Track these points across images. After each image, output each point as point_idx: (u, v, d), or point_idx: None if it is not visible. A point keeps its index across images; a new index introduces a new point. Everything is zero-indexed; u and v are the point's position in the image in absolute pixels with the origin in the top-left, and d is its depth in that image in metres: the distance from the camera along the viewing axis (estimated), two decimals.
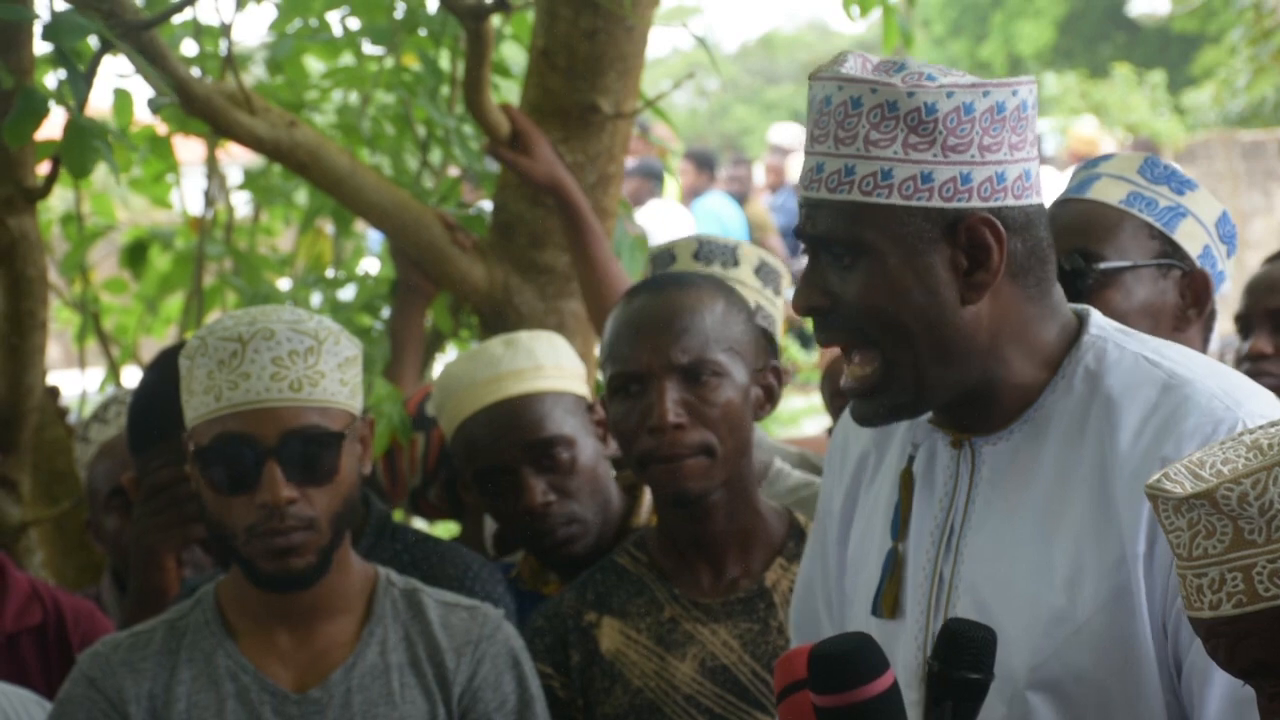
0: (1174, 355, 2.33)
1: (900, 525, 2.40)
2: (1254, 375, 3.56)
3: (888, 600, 2.38)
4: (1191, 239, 2.94)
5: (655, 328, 2.97)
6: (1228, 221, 3.00)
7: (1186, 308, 2.94)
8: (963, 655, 2.18)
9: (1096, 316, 2.39)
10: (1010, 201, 2.30)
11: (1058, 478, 2.30)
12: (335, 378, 2.79)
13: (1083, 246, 2.90)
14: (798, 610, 2.62)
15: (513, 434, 3.28)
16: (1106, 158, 3.04)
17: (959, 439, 2.37)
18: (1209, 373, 2.30)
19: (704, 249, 3.60)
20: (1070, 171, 3.25)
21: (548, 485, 3.25)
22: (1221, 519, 1.89)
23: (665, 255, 3.70)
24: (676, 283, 3.07)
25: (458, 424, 3.35)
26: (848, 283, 2.28)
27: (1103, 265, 2.89)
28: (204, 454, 2.77)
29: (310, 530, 2.76)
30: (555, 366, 3.33)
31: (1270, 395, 2.33)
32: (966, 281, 2.28)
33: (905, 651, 2.34)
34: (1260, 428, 1.96)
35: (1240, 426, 2.20)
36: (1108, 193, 2.95)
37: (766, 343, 3.42)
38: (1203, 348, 2.97)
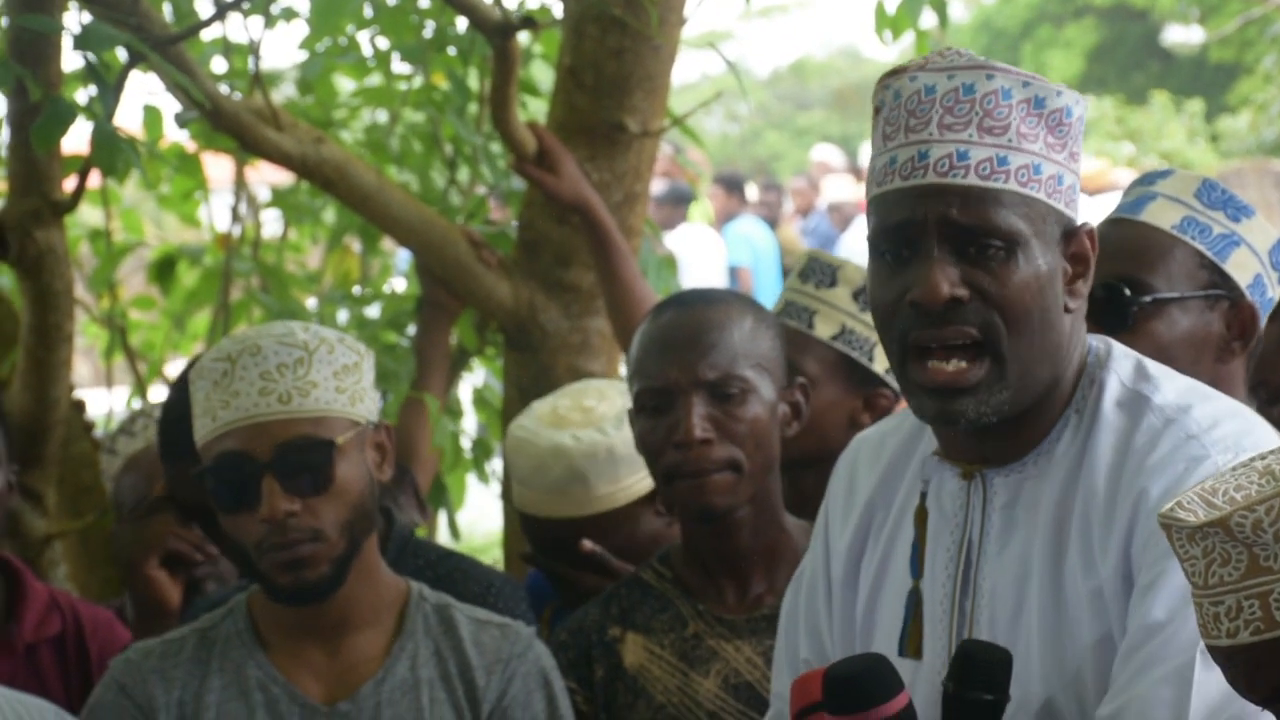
0: (1170, 391, 2.32)
1: (918, 563, 2.39)
2: None
3: (912, 640, 2.37)
4: (1242, 269, 2.90)
5: (683, 343, 2.96)
6: None
7: (1231, 339, 2.90)
8: (977, 676, 2.17)
9: (1101, 345, 2.39)
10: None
11: (1060, 513, 2.30)
12: (330, 386, 2.78)
13: (1131, 274, 2.86)
14: (782, 647, 2.61)
15: (561, 549, 3.31)
16: (1165, 175, 2.99)
17: (969, 471, 2.36)
18: (1202, 410, 2.29)
19: (808, 266, 3.57)
20: (1100, 199, 3.21)
21: (599, 582, 3.26)
22: (1236, 546, 1.88)
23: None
24: (704, 299, 3.06)
25: (517, 506, 3.39)
26: (994, 273, 2.24)
27: (1149, 297, 2.86)
28: (207, 474, 2.79)
29: (318, 541, 2.76)
30: (609, 486, 3.29)
31: (1269, 433, 2.31)
32: (1069, 289, 2.30)
33: (927, 689, 2.32)
34: (1273, 453, 1.95)
35: (1213, 467, 2.20)
36: (1162, 216, 2.91)
37: (858, 369, 3.42)
38: (1247, 378, 2.94)
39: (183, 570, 3.50)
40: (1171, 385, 2.33)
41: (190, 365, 3.32)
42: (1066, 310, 2.30)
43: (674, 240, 11.60)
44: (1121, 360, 2.36)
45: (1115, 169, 13.55)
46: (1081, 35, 26.49)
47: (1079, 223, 2.31)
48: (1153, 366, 2.36)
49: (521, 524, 3.42)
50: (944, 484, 2.38)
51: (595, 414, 3.33)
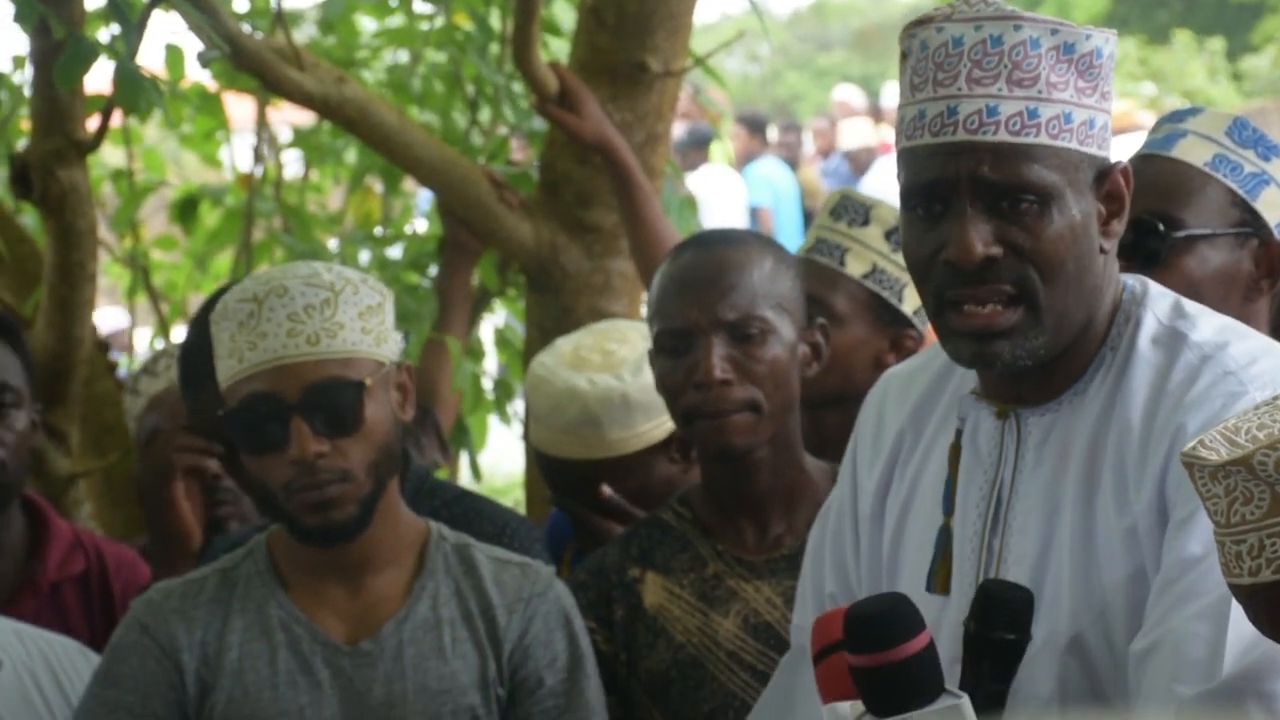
0: (1208, 328, 2.32)
1: (950, 500, 2.39)
2: None
3: (941, 576, 2.38)
4: (1272, 208, 2.88)
5: (702, 284, 2.96)
6: None
7: (1260, 278, 2.88)
8: (999, 616, 2.18)
9: (1138, 284, 2.39)
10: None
11: (1092, 450, 2.31)
12: (356, 327, 2.78)
13: (1163, 210, 2.84)
14: (807, 579, 2.62)
15: (575, 489, 3.33)
16: (1195, 112, 2.98)
17: (1005, 410, 2.36)
18: (1239, 347, 2.29)
19: (840, 204, 3.56)
20: (1124, 139, 3.18)
21: (616, 527, 3.28)
22: (1259, 485, 1.88)
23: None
24: (724, 239, 3.06)
25: (533, 443, 3.40)
26: (1032, 230, 2.25)
27: (1182, 233, 2.84)
28: (233, 416, 2.79)
29: (346, 482, 2.76)
30: (622, 432, 3.30)
31: None
32: (1104, 230, 2.30)
33: (953, 625, 2.32)
34: None
35: (1250, 403, 2.18)
36: (1193, 153, 2.89)
37: (888, 308, 3.43)
38: (1270, 316, 2.94)
39: (203, 497, 3.50)
40: (1209, 323, 2.33)
41: (212, 298, 3.31)
42: (1101, 251, 2.30)
43: (695, 181, 11.58)
44: (1159, 299, 2.36)
45: (1139, 110, 13.49)
46: None
47: (1112, 162, 2.31)
48: (1190, 305, 2.36)
49: (537, 461, 3.44)
50: (980, 422, 2.38)
51: (615, 358, 3.34)
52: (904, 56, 2.31)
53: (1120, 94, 16.32)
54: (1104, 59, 2.27)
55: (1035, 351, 2.28)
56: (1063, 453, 2.32)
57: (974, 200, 2.24)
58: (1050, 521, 2.31)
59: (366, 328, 2.80)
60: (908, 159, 2.29)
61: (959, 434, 2.40)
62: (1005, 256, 2.25)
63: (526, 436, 3.90)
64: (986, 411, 2.38)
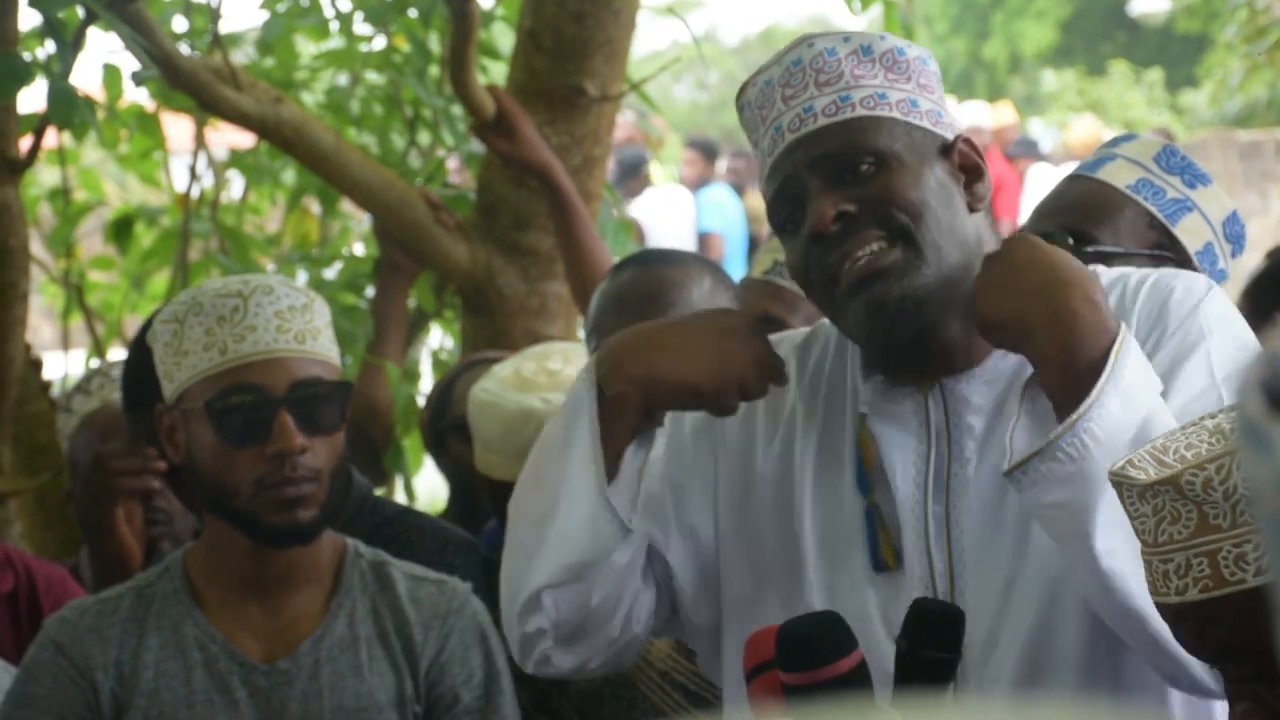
0: (1117, 270, 2.41)
1: (866, 481, 2.36)
2: None
3: (888, 553, 2.35)
4: (1193, 235, 2.89)
5: (642, 301, 2.97)
6: (1237, 221, 2.95)
7: None
8: (931, 634, 2.17)
9: None
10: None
11: (1034, 390, 2.30)
12: (327, 335, 2.82)
13: (1077, 226, 2.86)
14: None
15: None
16: (1129, 139, 3.03)
17: (926, 385, 2.36)
18: (1144, 270, 2.39)
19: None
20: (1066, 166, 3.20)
21: None
22: (1186, 504, 1.89)
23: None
24: (664, 258, 3.07)
25: (480, 470, 3.36)
26: (874, 184, 2.30)
27: (1092, 248, 2.86)
28: (212, 408, 2.75)
29: (315, 482, 2.76)
30: None
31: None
32: (969, 191, 2.36)
33: (912, 598, 2.28)
34: (1222, 412, 1.95)
35: (1184, 288, 2.31)
36: (1118, 175, 2.91)
37: None
38: None
39: (145, 516, 3.47)
40: (1118, 268, 2.42)
41: (155, 318, 3.29)
42: (972, 210, 2.36)
43: (639, 206, 11.58)
44: None
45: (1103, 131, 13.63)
46: (1054, 5, 26.46)
47: (952, 137, 2.37)
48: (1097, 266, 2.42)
49: (486, 488, 3.40)
50: (898, 401, 2.36)
51: (561, 377, 3.32)
52: (746, 129, 2.41)
53: (1062, 125, 16.46)
54: (909, 59, 2.36)
55: (925, 284, 2.28)
56: (1001, 406, 2.32)
57: (819, 180, 2.31)
58: (1000, 485, 2.29)
59: (331, 338, 2.84)
60: (766, 192, 2.38)
61: (864, 418, 2.37)
62: (863, 210, 2.30)
63: (445, 457, 3.85)
64: (902, 392, 2.36)
